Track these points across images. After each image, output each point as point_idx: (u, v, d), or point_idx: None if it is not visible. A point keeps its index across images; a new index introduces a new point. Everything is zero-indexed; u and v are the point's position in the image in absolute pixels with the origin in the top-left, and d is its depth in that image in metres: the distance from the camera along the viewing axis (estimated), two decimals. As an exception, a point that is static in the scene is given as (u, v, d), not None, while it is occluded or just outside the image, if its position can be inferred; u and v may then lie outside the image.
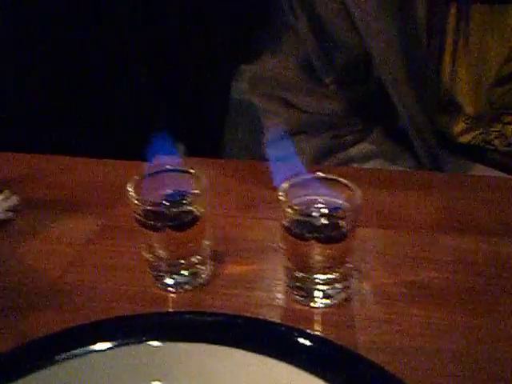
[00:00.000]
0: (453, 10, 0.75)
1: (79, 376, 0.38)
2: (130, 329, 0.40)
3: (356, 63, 0.82)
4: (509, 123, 0.81)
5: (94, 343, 0.39)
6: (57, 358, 0.39)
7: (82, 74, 0.89)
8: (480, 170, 0.84)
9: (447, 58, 0.78)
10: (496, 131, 0.82)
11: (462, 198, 0.63)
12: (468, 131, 0.83)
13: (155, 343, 0.39)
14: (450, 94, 0.81)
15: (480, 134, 0.83)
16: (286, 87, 0.86)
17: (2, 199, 0.64)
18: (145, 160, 0.62)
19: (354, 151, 0.85)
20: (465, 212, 0.61)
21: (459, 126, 0.83)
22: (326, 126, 0.85)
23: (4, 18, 0.86)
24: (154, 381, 0.39)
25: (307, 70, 0.83)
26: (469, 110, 0.80)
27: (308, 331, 0.42)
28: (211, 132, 1.10)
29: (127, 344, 0.39)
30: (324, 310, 0.49)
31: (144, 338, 0.39)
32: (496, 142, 0.83)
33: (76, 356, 0.39)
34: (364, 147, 0.86)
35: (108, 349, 0.39)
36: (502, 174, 0.82)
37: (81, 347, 0.39)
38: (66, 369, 0.39)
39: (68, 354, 0.39)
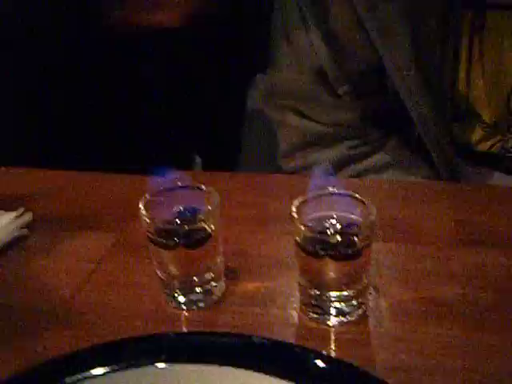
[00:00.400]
0: (467, 18, 0.74)
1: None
2: (139, 351, 0.39)
3: (370, 74, 0.81)
4: None
5: (101, 366, 0.38)
6: (67, 380, 0.39)
7: (97, 88, 0.89)
8: (499, 177, 0.84)
9: (463, 66, 0.77)
10: None
11: (481, 211, 0.62)
12: (486, 139, 0.82)
13: (163, 365, 0.38)
14: (467, 102, 0.80)
15: (498, 141, 0.82)
16: (300, 98, 0.85)
17: (16, 216, 0.64)
18: (159, 175, 0.62)
19: (369, 162, 0.84)
20: (483, 225, 0.60)
21: (477, 134, 0.82)
22: (341, 137, 0.85)
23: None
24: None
25: (321, 81, 0.82)
26: (486, 117, 0.80)
27: (323, 352, 0.41)
28: (227, 143, 1.10)
29: (135, 366, 0.38)
30: (339, 327, 0.48)
31: (152, 361, 0.38)
32: None
33: (84, 379, 0.38)
34: (380, 158, 0.85)
35: (114, 371, 0.38)
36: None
37: (88, 370, 0.39)
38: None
39: (73, 377, 0.39)
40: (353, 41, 0.78)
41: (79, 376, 0.39)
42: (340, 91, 0.82)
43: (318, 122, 0.85)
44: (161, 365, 0.39)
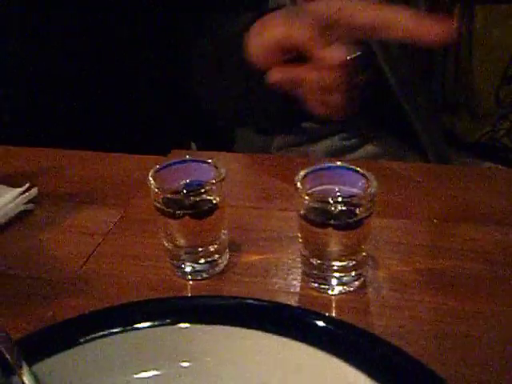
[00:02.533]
0: (456, 11, 0.75)
1: (107, 357, 0.40)
2: (158, 311, 0.41)
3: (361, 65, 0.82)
4: None
5: (121, 325, 0.40)
6: (82, 339, 0.40)
7: (102, 70, 0.90)
8: (489, 167, 0.84)
9: (452, 58, 0.78)
10: (504, 129, 0.82)
11: (474, 189, 0.64)
12: (476, 130, 0.84)
13: (183, 325, 0.40)
14: (457, 93, 0.81)
15: (488, 132, 0.83)
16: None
17: (22, 192, 0.65)
18: (162, 155, 0.64)
19: (362, 152, 0.86)
20: (476, 202, 0.62)
21: (467, 125, 0.83)
22: (334, 130, 0.86)
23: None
24: (184, 361, 0.40)
25: None
26: (476, 108, 0.81)
27: (324, 314, 0.43)
28: (224, 132, 1.11)
29: (156, 326, 0.40)
30: (340, 296, 0.50)
31: (171, 321, 0.40)
32: (505, 140, 0.83)
33: (102, 337, 0.40)
34: (372, 148, 0.86)
35: (134, 329, 0.40)
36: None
37: (107, 329, 0.41)
38: (92, 350, 0.40)
39: (94, 335, 0.41)
40: None
41: (96, 334, 0.41)
42: None
43: (310, 120, 0.86)
44: (182, 325, 0.41)
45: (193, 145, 1.10)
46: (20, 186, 0.66)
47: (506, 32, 0.74)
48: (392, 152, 0.87)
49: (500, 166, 0.84)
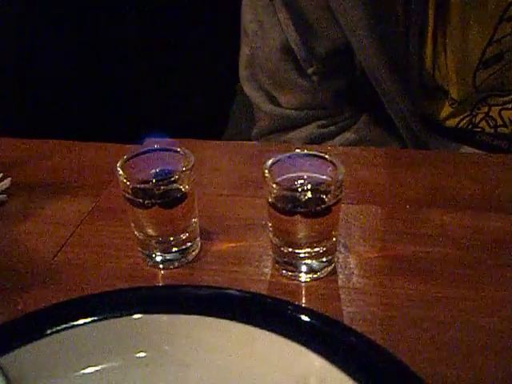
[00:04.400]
0: None
1: (69, 347, 0.40)
2: (115, 303, 0.41)
3: (337, 53, 0.82)
4: (495, 105, 0.82)
5: (82, 317, 0.40)
6: (48, 331, 0.40)
7: (80, 60, 0.89)
8: (466, 152, 0.85)
9: (429, 43, 0.78)
10: (482, 113, 0.83)
11: (448, 175, 0.64)
12: (454, 115, 0.84)
13: (138, 316, 0.40)
14: (434, 79, 0.81)
15: (467, 117, 0.84)
16: (271, 78, 0.85)
17: (-5, 182, 0.65)
18: (136, 143, 0.64)
19: (340, 140, 0.86)
20: (450, 188, 0.62)
21: (445, 111, 0.84)
22: (312, 118, 0.86)
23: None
24: (139, 352, 0.40)
25: (290, 59, 0.83)
26: (454, 94, 0.81)
27: (293, 302, 0.43)
28: (214, 117, 1.10)
29: (112, 317, 0.40)
30: (310, 283, 0.50)
31: (127, 312, 0.40)
32: (483, 124, 0.84)
33: (66, 329, 0.40)
34: (350, 135, 0.87)
35: (94, 321, 0.40)
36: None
37: (70, 321, 0.41)
38: (57, 341, 0.40)
39: (57, 327, 0.41)
40: (320, 20, 0.79)
41: (60, 327, 0.41)
42: (309, 71, 0.82)
43: (288, 108, 0.86)
44: (137, 316, 0.41)
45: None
46: (-7, 177, 0.65)
47: (482, 16, 0.74)
48: (371, 139, 0.87)
49: (477, 151, 0.85)
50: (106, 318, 0.41)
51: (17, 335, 0.40)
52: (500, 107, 0.83)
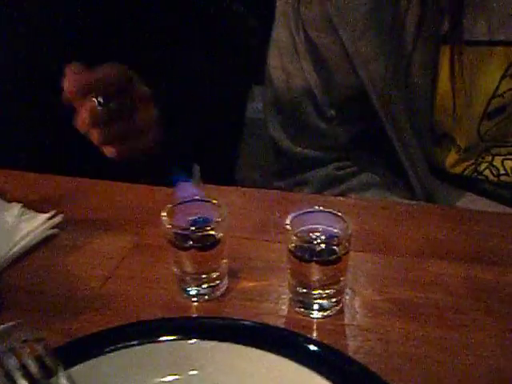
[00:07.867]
0: (443, 49, 0.79)
1: (124, 366, 0.49)
2: (170, 328, 0.51)
3: (355, 100, 0.87)
4: (498, 155, 0.87)
5: (139, 339, 0.49)
6: (105, 350, 0.49)
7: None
8: (472, 199, 0.90)
9: (440, 92, 0.83)
10: (486, 162, 0.87)
11: (445, 228, 0.72)
12: (460, 162, 0.88)
13: (191, 341, 0.50)
14: (443, 127, 0.86)
15: (472, 165, 0.88)
16: (290, 118, 0.91)
17: (49, 218, 0.74)
18: (169, 185, 0.72)
19: (354, 181, 0.92)
20: (446, 241, 0.70)
21: (452, 158, 0.88)
22: (329, 160, 0.92)
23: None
24: (192, 370, 0.49)
25: (310, 102, 0.88)
26: (460, 142, 0.85)
27: (305, 335, 0.52)
28: (225, 152, 1.17)
29: (169, 341, 0.49)
30: (321, 320, 0.59)
31: (181, 336, 0.49)
32: (487, 172, 0.88)
33: (121, 349, 0.49)
34: (364, 178, 0.92)
35: (150, 342, 0.49)
36: (492, 203, 0.88)
37: (124, 342, 0.50)
38: (113, 360, 0.49)
39: (113, 347, 0.50)
40: (340, 69, 0.85)
41: (115, 347, 0.50)
42: (328, 114, 0.89)
43: (307, 148, 0.92)
44: (188, 341, 0.50)
45: (195, 166, 1.14)
46: (43, 210, 0.75)
47: (488, 71, 0.80)
48: (382, 182, 0.93)
49: (482, 198, 0.89)
50: (165, 341, 0.51)
51: (82, 352, 0.49)
52: (503, 157, 0.87)
